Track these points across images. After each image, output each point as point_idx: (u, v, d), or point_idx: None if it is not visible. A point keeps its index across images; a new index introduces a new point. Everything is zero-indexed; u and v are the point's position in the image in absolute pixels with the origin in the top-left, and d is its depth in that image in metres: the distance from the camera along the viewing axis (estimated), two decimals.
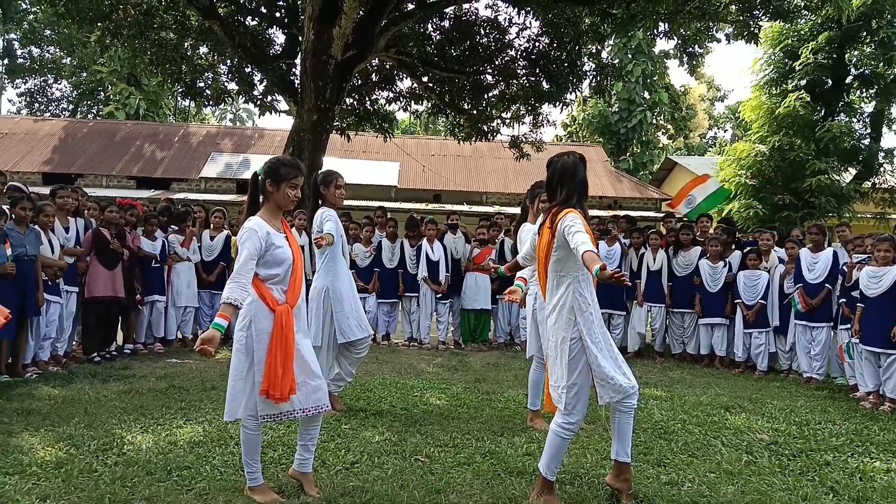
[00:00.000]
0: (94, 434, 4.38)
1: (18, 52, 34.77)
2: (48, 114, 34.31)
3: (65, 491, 3.41)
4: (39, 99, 36.85)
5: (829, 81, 17.58)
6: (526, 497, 3.50)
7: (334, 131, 12.44)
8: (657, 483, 3.82)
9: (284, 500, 3.39)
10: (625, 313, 8.78)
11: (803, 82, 17.33)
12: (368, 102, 14.14)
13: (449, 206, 18.42)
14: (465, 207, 18.84)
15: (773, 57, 18.04)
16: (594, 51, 12.90)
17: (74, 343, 7.30)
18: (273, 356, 3.25)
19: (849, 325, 6.70)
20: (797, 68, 17.00)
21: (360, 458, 4.09)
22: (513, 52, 12.35)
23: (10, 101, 49.99)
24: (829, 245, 7.67)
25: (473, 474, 3.86)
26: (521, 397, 5.92)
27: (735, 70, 67.52)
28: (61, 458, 3.89)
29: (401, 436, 4.59)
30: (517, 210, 18.27)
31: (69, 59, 34.07)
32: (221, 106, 35.88)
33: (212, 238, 8.70)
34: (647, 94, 31.56)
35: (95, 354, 7.06)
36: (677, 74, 52.13)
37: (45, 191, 8.76)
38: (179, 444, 4.22)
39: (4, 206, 6.00)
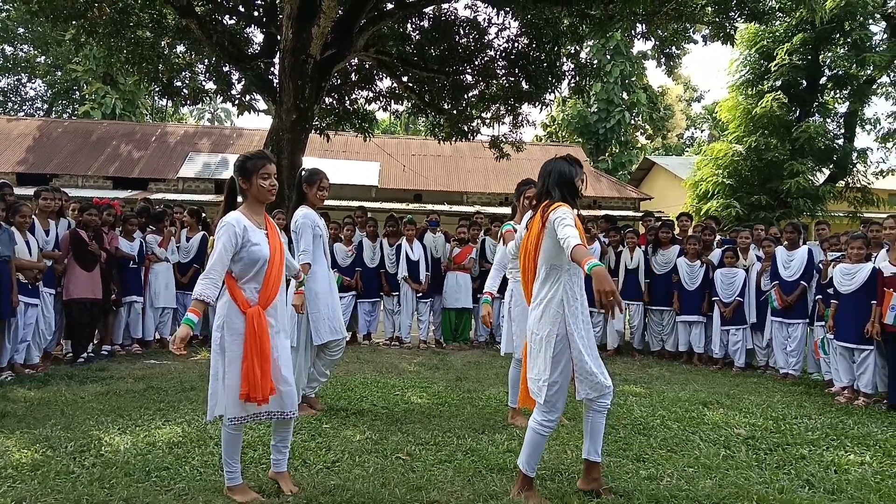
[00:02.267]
0: (71, 436, 4.33)
1: None
2: (22, 113, 33.82)
3: (41, 493, 3.37)
4: (13, 98, 36.29)
5: (804, 82, 17.88)
6: (507, 493, 3.51)
7: (314, 131, 12.37)
8: (636, 478, 3.85)
9: (264, 499, 3.38)
10: (603, 311, 8.82)
11: (779, 83, 17.61)
12: (348, 102, 14.08)
13: (430, 206, 18.45)
14: (445, 207, 18.86)
15: (748, 58, 18.32)
16: (573, 51, 12.97)
17: (55, 345, 7.21)
18: (249, 359, 3.21)
19: (824, 322, 6.81)
20: (773, 69, 17.27)
21: (340, 457, 4.08)
22: (492, 53, 12.37)
23: None
24: (805, 243, 7.79)
25: (455, 471, 3.87)
26: (502, 395, 5.94)
27: (712, 71, 68.32)
28: (37, 460, 3.84)
29: (382, 434, 4.59)
30: (498, 209, 18.37)
31: (43, 57, 33.55)
32: (199, 105, 35.55)
33: (188, 239, 8.62)
34: (625, 95, 31.84)
35: (83, 355, 6.98)
36: (655, 75, 52.50)
37: (21, 191, 8.63)
38: (158, 445, 4.18)
39: None
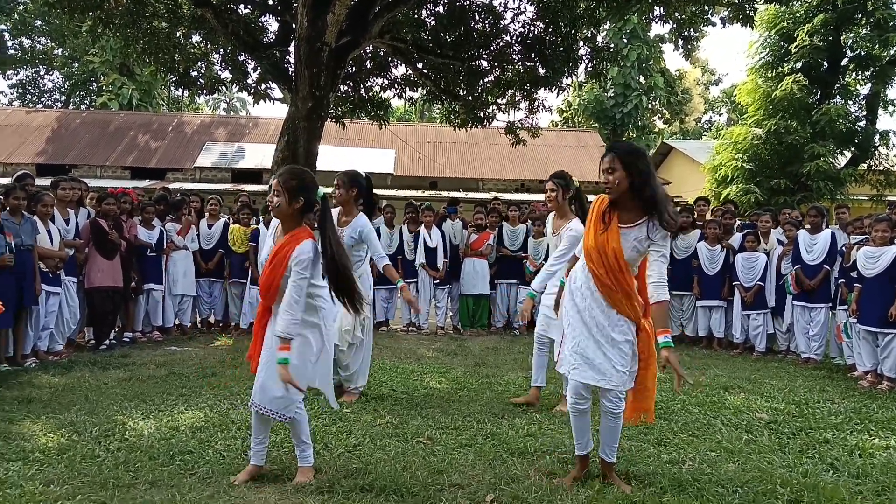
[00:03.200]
0: (95, 421, 4.38)
1: (9, 44, 34.47)
2: (40, 105, 34.11)
3: (68, 476, 3.42)
4: (31, 90, 36.60)
5: (825, 64, 17.58)
6: (528, 476, 3.52)
7: (329, 119, 12.37)
8: (658, 462, 3.84)
9: (288, 484, 3.40)
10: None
11: (799, 65, 17.33)
12: (363, 90, 14.04)
13: (445, 193, 18.41)
14: (461, 194, 18.81)
15: (768, 40, 18.02)
16: (589, 35, 12.81)
17: (78, 333, 7.31)
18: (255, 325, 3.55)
19: (847, 306, 6.73)
20: (793, 51, 16.98)
21: (362, 441, 4.10)
22: (508, 38, 12.27)
23: (1, 92, 49.76)
24: (828, 227, 7.69)
25: (475, 455, 3.88)
26: (521, 380, 5.95)
27: (730, 53, 67.47)
28: (63, 445, 3.90)
29: (402, 419, 4.61)
30: (514, 196, 18.26)
31: (61, 49, 33.76)
32: (215, 95, 35.69)
33: (209, 226, 8.67)
34: (642, 79, 31.49)
35: (105, 343, 7.07)
36: (672, 58, 52.00)
37: (41, 182, 8.72)
38: (181, 430, 4.23)
39: None
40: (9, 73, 35.49)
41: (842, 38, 17.13)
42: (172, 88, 31.24)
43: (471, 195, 19.06)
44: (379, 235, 8.91)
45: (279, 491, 3.30)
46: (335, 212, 4.94)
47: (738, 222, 8.94)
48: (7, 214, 5.95)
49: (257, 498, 3.21)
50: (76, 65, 33.59)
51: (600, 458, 3.52)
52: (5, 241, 5.69)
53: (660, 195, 3.26)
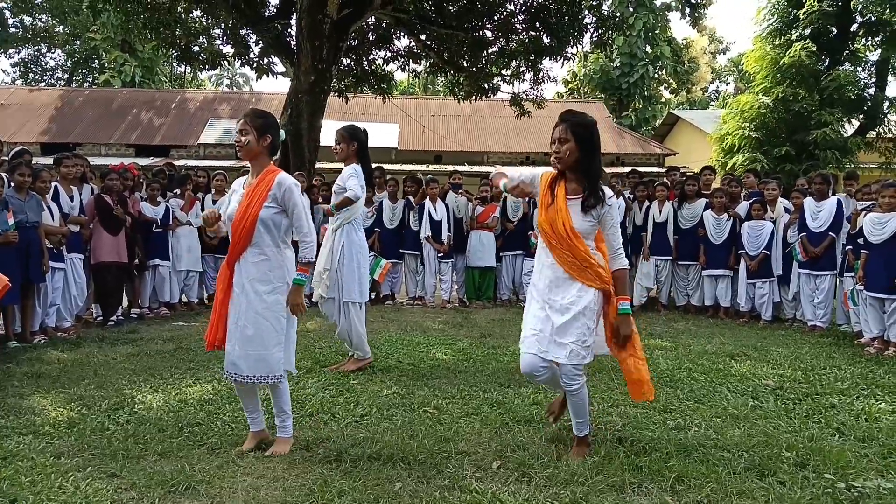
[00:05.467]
0: (104, 395, 4.42)
1: (10, 22, 34.27)
2: (43, 83, 34.00)
3: (78, 448, 3.46)
4: (34, 69, 36.48)
5: (834, 30, 17.27)
6: (534, 443, 3.54)
7: (332, 93, 12.28)
8: (663, 428, 3.85)
9: (307, 453, 3.44)
10: (629, 267, 8.76)
11: (808, 31, 17.03)
12: (366, 62, 13.92)
13: (450, 167, 18.32)
14: (466, 168, 18.73)
15: (776, 6, 17.70)
16: (595, 3, 12.62)
17: (86, 310, 7.35)
18: (214, 307, 3.50)
19: (854, 273, 6.70)
20: (801, 17, 16.69)
21: (369, 411, 4.13)
22: (512, 7, 12.09)
23: (3, 71, 49.61)
24: (835, 194, 7.62)
25: (482, 424, 3.90)
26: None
27: (738, 21, 66.49)
28: (73, 418, 3.94)
29: (409, 389, 4.63)
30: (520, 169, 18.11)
31: (62, 27, 33.57)
32: (217, 70, 35.42)
33: (214, 202, 8.65)
34: (648, 48, 31.03)
35: (112, 318, 7.11)
36: (679, 27, 51.20)
37: (45, 161, 8.72)
38: (189, 403, 4.26)
39: (3, 174, 5.96)
40: (10, 51, 35.35)
41: (851, 3, 16.80)
42: (174, 65, 31.09)
43: (476, 168, 18.97)
44: (381, 209, 8.99)
45: (287, 461, 3.33)
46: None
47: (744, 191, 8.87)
48: (12, 191, 5.95)
49: (266, 468, 3.24)
50: (78, 42, 33.40)
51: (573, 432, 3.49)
52: (7, 219, 5.69)
53: (599, 172, 3.34)
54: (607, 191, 3.31)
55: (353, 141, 5.16)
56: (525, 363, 3.35)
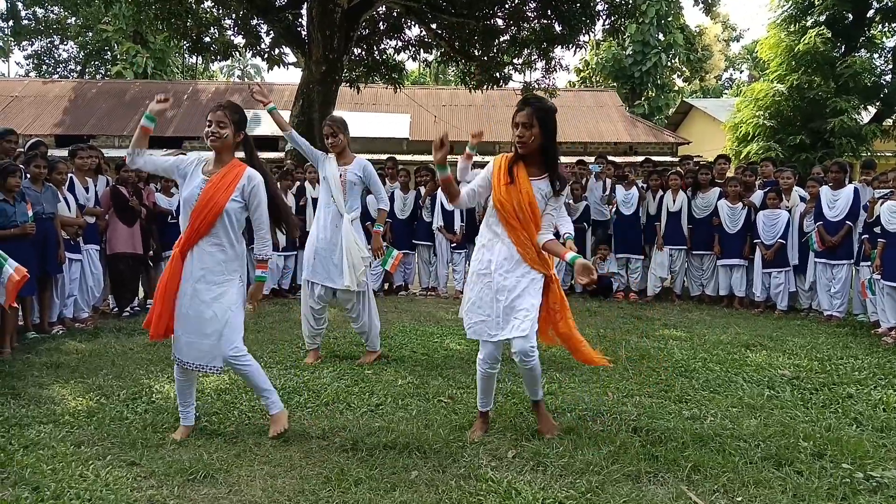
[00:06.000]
0: (122, 384, 4.47)
1: (23, 14, 34.46)
2: (56, 75, 34.18)
3: (98, 437, 3.50)
4: (47, 61, 36.69)
5: (850, 16, 17.05)
6: (549, 432, 3.55)
7: (343, 83, 12.28)
8: (679, 418, 3.84)
9: (323, 442, 3.46)
10: (642, 258, 8.74)
11: (823, 18, 16.83)
12: (377, 52, 13.91)
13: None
14: (478, 157, 18.65)
15: None
16: None
17: (102, 301, 7.40)
18: (158, 293, 3.45)
19: (871, 262, 6.63)
20: (817, 3, 16.50)
21: (384, 401, 4.15)
22: None
23: (17, 63, 49.88)
24: (851, 182, 7.54)
25: (496, 413, 3.90)
26: (539, 342, 5.94)
27: (752, 8, 65.74)
28: (92, 408, 3.98)
29: (423, 379, 4.65)
30: None
31: (74, 18, 33.70)
32: (228, 61, 35.52)
33: None
34: (661, 36, 30.80)
35: (128, 309, 7.17)
36: (692, 14, 50.70)
37: (60, 153, 8.77)
38: (206, 392, 4.30)
39: (20, 166, 6.00)
40: (24, 43, 35.56)
41: None
42: (186, 56, 31.14)
43: (488, 158, 18.89)
44: (393, 199, 8.98)
45: (303, 450, 3.35)
46: (333, 156, 5.12)
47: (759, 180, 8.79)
48: (28, 183, 5.99)
49: (283, 456, 3.27)
50: (90, 34, 33.54)
51: (530, 399, 3.66)
52: (26, 211, 5.73)
53: (557, 156, 3.51)
54: (566, 188, 3.56)
55: (347, 131, 5.16)
56: (484, 353, 3.50)
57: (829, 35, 16.22)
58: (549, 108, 3.38)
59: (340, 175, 5.09)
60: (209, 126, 3.43)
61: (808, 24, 16.96)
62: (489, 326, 3.43)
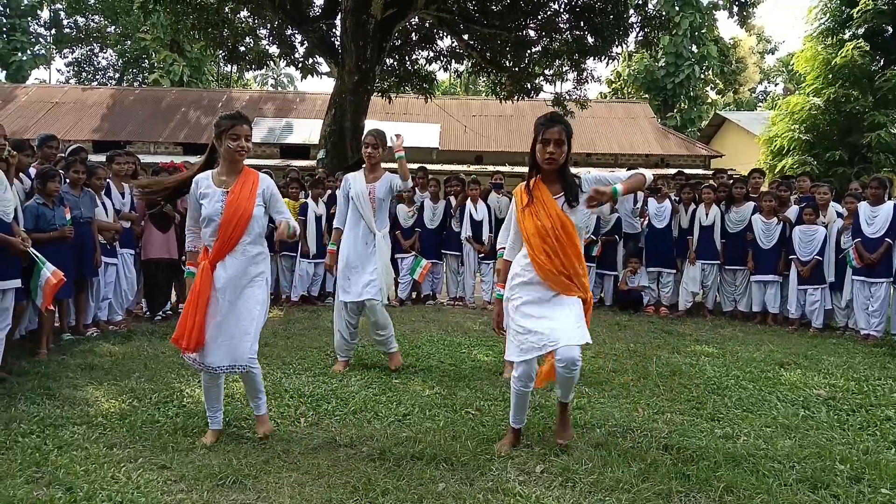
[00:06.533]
0: (154, 388, 4.52)
1: (64, 22, 35.38)
2: (95, 83, 34.99)
3: (130, 440, 3.54)
4: (86, 68, 37.61)
5: (890, 29, 16.76)
6: (578, 448, 3.51)
7: (375, 93, 12.37)
8: (711, 436, 3.77)
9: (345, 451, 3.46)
10: (674, 271, 8.64)
11: (861, 30, 16.56)
12: (408, 63, 14.01)
13: (491, 168, 18.29)
14: (507, 168, 18.66)
15: (829, 5, 17.25)
16: (640, 2, 12.48)
17: (136, 304, 7.52)
18: (187, 307, 3.46)
19: None
20: (855, 16, 16.23)
21: (411, 411, 4.14)
22: (556, 6, 12.05)
23: (58, 70, 51.28)
24: (890, 198, 7.37)
25: (524, 427, 3.87)
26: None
27: (788, 20, 64.91)
28: (125, 410, 4.03)
29: (450, 390, 4.63)
30: None
31: (113, 27, 34.54)
32: (263, 71, 36.01)
33: None
34: (694, 48, 30.53)
35: (160, 313, 7.27)
36: (726, 26, 50.21)
37: (97, 158, 8.95)
38: (236, 398, 4.33)
39: (60, 171, 6.13)
40: (65, 51, 36.46)
41: None
42: (222, 64, 31.68)
43: (517, 169, 18.89)
44: (422, 209, 9.00)
45: (331, 458, 3.36)
46: (360, 174, 5.16)
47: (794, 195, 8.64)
48: (67, 187, 6.12)
49: (311, 464, 3.28)
50: (128, 42, 34.33)
51: (559, 400, 3.64)
52: (65, 215, 5.85)
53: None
54: (582, 175, 3.45)
55: (386, 145, 5.19)
56: (519, 370, 3.45)
57: (868, 48, 15.95)
58: (569, 126, 3.41)
59: (370, 192, 5.11)
60: (236, 140, 3.47)
61: (846, 36, 16.71)
62: (536, 344, 3.35)
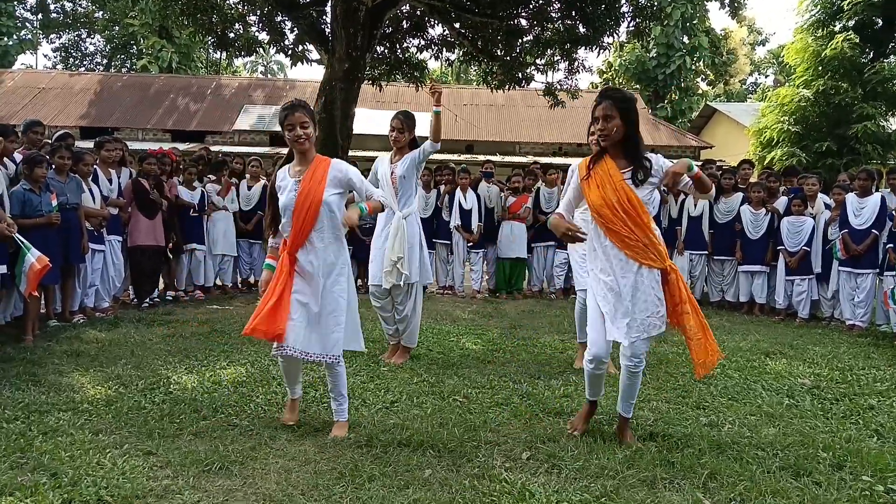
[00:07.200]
0: (140, 374, 4.51)
1: (51, 7, 34.95)
2: (83, 68, 34.63)
3: (116, 426, 3.53)
4: (74, 54, 37.21)
5: (880, 21, 16.80)
6: (564, 435, 3.53)
7: (366, 81, 12.28)
8: (696, 424, 3.80)
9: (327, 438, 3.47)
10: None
11: (851, 23, 16.59)
12: (399, 51, 13.90)
13: (482, 157, 18.26)
14: (498, 158, 18.65)
15: None
16: None
17: (123, 291, 7.48)
18: (266, 297, 3.44)
19: (895, 271, 6.52)
20: (845, 8, 16.25)
21: (399, 398, 4.15)
22: None
23: (45, 56, 50.74)
24: (878, 190, 7.42)
25: (511, 414, 3.90)
26: (558, 343, 5.94)
27: (778, 12, 64.97)
28: (111, 396, 4.02)
29: (438, 378, 4.64)
30: (552, 160, 18.08)
31: (101, 12, 34.15)
32: (252, 57, 35.71)
33: (249, 188, 8.74)
34: (686, 39, 30.51)
35: (147, 301, 7.24)
36: (718, 17, 50.27)
37: (84, 144, 8.87)
38: (223, 384, 4.33)
39: (46, 157, 6.07)
40: (52, 36, 36.05)
41: None
42: (211, 51, 31.41)
43: (508, 159, 18.88)
44: None
45: (318, 444, 3.36)
46: (387, 155, 5.17)
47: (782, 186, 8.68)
48: (53, 173, 6.07)
49: (297, 450, 3.28)
50: (116, 28, 33.95)
51: (618, 413, 3.55)
52: (51, 201, 5.80)
53: (641, 144, 3.38)
54: (652, 156, 3.37)
55: (413, 130, 5.15)
56: (596, 347, 3.42)
57: (858, 40, 15.99)
58: (629, 97, 3.34)
59: (392, 172, 5.09)
60: (292, 130, 3.43)
61: (836, 29, 16.73)
62: (608, 325, 3.36)
